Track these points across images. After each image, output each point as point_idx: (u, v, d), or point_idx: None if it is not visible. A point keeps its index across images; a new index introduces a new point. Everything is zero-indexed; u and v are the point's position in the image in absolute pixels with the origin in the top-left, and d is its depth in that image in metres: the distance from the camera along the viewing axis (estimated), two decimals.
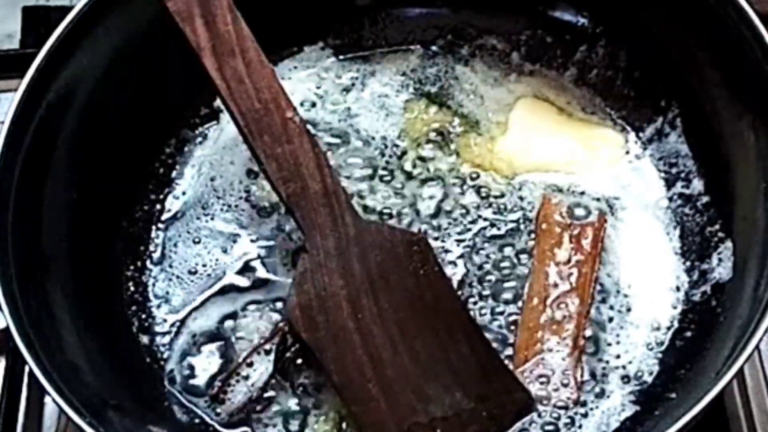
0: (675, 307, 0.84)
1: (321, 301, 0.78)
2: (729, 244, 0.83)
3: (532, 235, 0.87)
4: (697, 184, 0.88)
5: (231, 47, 0.80)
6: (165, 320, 0.86)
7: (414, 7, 0.97)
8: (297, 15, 0.93)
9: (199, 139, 0.93)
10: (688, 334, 0.83)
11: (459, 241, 0.87)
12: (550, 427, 0.80)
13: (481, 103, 0.94)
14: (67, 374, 0.73)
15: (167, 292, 0.87)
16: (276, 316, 0.85)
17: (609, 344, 0.83)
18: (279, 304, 0.85)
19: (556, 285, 0.84)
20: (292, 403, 0.81)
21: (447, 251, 0.87)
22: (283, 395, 0.82)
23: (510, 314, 0.84)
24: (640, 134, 0.91)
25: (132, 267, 0.88)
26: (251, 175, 0.90)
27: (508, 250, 0.87)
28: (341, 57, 0.96)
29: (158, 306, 0.86)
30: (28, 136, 0.79)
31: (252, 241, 0.88)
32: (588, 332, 0.83)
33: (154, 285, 0.87)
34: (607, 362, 0.82)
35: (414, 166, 0.91)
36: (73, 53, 0.82)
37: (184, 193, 0.91)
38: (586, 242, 0.86)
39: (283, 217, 0.88)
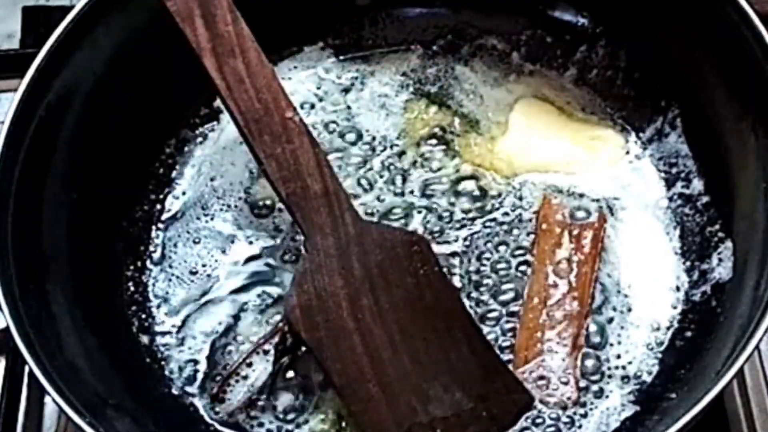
0: (675, 307, 0.84)
1: (321, 302, 0.78)
2: (729, 244, 0.83)
3: (532, 235, 0.87)
4: (697, 184, 0.88)
5: (231, 47, 0.80)
6: (165, 320, 0.86)
7: (414, 7, 0.97)
8: (297, 15, 0.93)
9: (199, 139, 0.93)
10: (688, 334, 0.83)
11: (459, 241, 0.87)
12: (551, 428, 0.80)
13: (481, 103, 0.94)
14: (67, 374, 0.73)
15: (167, 292, 0.87)
16: (276, 316, 0.85)
17: (609, 344, 0.83)
18: (279, 304, 0.85)
19: (555, 285, 0.84)
20: (292, 403, 0.81)
21: (447, 251, 0.87)
22: (283, 395, 0.82)
23: (510, 314, 0.84)
24: (640, 134, 0.91)
25: (132, 267, 0.88)
26: (251, 175, 0.90)
27: (508, 250, 0.87)
28: (341, 57, 0.96)
29: (158, 306, 0.86)
30: (28, 136, 0.79)
31: (252, 241, 0.88)
32: (588, 331, 0.83)
33: (154, 285, 0.87)
34: (607, 362, 0.82)
35: (414, 166, 0.91)
36: (73, 53, 0.82)
37: (184, 193, 0.91)
38: (586, 242, 0.86)
39: (283, 217, 0.88)
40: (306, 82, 0.95)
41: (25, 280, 0.76)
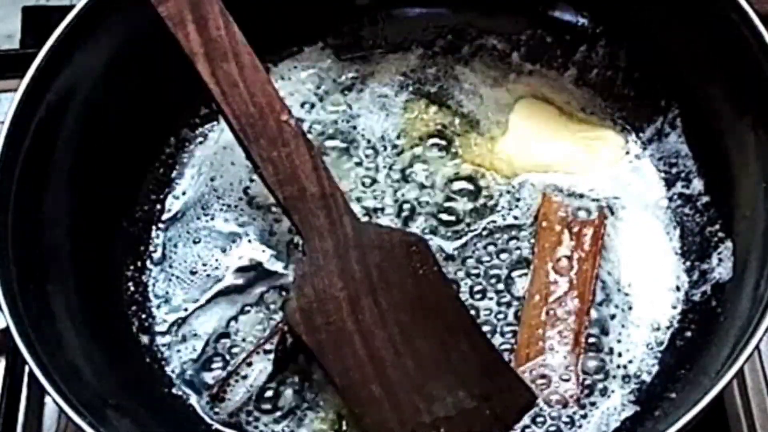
0: (675, 307, 0.84)
1: (321, 304, 0.78)
2: (729, 244, 0.83)
3: (532, 234, 0.87)
4: (697, 184, 0.88)
5: (224, 51, 0.80)
6: (165, 320, 0.86)
7: (414, 7, 0.97)
8: (297, 15, 0.93)
9: (199, 139, 0.93)
10: (688, 334, 0.83)
11: (459, 240, 0.87)
12: (551, 427, 0.80)
13: (481, 103, 0.94)
14: (67, 374, 0.73)
15: (167, 292, 0.87)
16: (276, 316, 0.85)
17: (609, 343, 0.83)
18: (278, 304, 0.85)
19: (556, 282, 0.84)
20: (292, 403, 0.81)
21: (447, 251, 0.87)
22: (283, 395, 0.82)
23: (510, 313, 0.84)
24: (640, 134, 0.91)
25: (132, 267, 0.88)
26: (251, 175, 0.90)
27: (508, 249, 0.87)
28: (341, 57, 0.96)
29: (158, 306, 0.86)
30: (28, 136, 0.79)
31: (252, 241, 0.88)
32: (589, 331, 0.83)
33: (154, 285, 0.87)
34: (608, 362, 0.82)
35: (413, 166, 0.91)
36: (73, 53, 0.82)
37: (184, 193, 0.91)
38: (587, 240, 0.86)
39: (283, 217, 0.88)
40: (306, 82, 0.95)
41: (25, 280, 0.76)
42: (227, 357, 0.84)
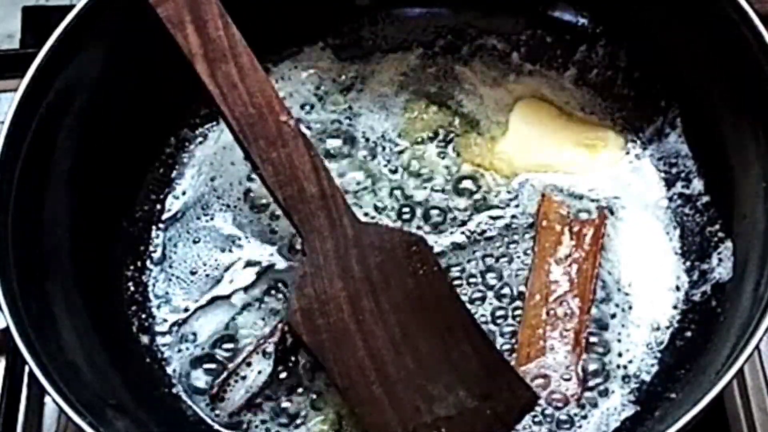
0: (675, 307, 0.84)
1: (321, 304, 0.78)
2: (729, 244, 0.83)
3: (533, 234, 0.87)
4: (697, 184, 0.88)
5: (223, 52, 0.80)
6: (165, 320, 0.86)
7: (414, 7, 0.97)
8: (297, 15, 0.93)
9: (199, 139, 0.93)
10: (688, 334, 0.83)
11: (459, 240, 0.87)
12: (551, 426, 0.80)
13: (481, 103, 0.94)
14: (67, 374, 0.73)
15: (167, 292, 0.87)
16: (276, 316, 0.85)
17: (610, 343, 0.83)
18: (279, 304, 0.85)
19: (556, 282, 0.84)
20: (292, 403, 0.81)
21: (447, 251, 0.87)
22: (283, 395, 0.82)
23: (511, 312, 0.84)
24: (640, 134, 0.91)
25: (132, 267, 0.88)
26: (251, 175, 0.90)
27: (508, 249, 0.87)
28: (341, 57, 0.96)
29: (158, 306, 0.86)
30: (28, 136, 0.79)
31: (251, 241, 0.88)
32: (589, 330, 0.83)
33: (154, 285, 0.87)
34: (608, 362, 0.82)
35: (413, 166, 0.91)
36: (73, 53, 0.82)
37: (184, 193, 0.91)
38: (587, 239, 0.86)
39: (283, 217, 0.88)
40: (306, 82, 0.95)
41: (25, 280, 0.76)
42: (227, 357, 0.84)
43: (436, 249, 0.85)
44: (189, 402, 0.82)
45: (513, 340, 0.83)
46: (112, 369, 0.80)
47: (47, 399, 0.86)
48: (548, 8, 0.94)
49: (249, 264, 0.87)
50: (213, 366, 0.84)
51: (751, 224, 0.80)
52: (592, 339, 0.83)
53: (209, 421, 0.81)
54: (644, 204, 0.89)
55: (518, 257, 0.86)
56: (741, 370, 0.76)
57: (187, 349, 0.84)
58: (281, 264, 0.87)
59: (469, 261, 0.86)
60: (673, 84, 0.89)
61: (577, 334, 0.82)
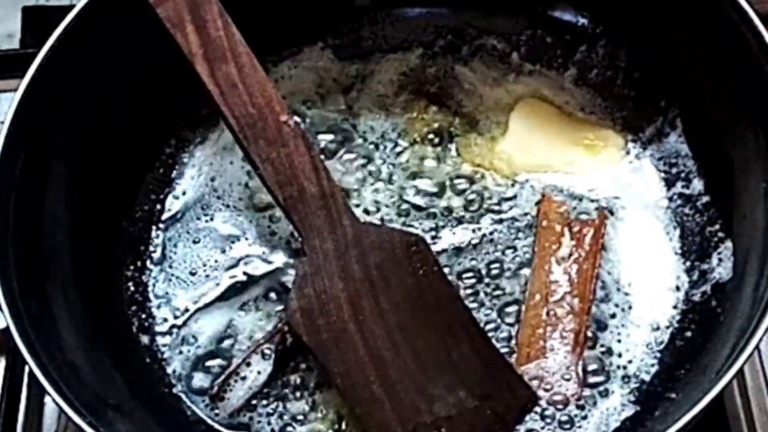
0: (675, 307, 0.84)
1: (321, 304, 0.78)
2: (729, 244, 0.83)
3: (533, 234, 0.87)
4: (697, 184, 0.88)
5: (223, 52, 0.80)
6: (165, 320, 0.86)
7: (414, 7, 0.97)
8: (297, 15, 0.93)
9: (199, 139, 0.93)
10: (688, 334, 0.83)
11: (459, 240, 0.87)
12: (551, 427, 0.80)
13: (481, 103, 0.94)
14: (67, 374, 0.73)
15: (167, 293, 0.87)
16: (275, 316, 0.85)
17: (610, 343, 0.83)
18: (278, 304, 0.85)
19: (557, 282, 0.84)
20: (291, 403, 0.81)
21: (447, 251, 0.87)
22: (283, 395, 0.82)
23: (511, 312, 0.84)
24: (640, 134, 0.91)
25: (132, 267, 0.88)
26: (251, 175, 0.90)
27: (508, 249, 0.87)
28: (341, 57, 0.96)
29: (158, 306, 0.86)
30: (28, 136, 0.79)
31: (251, 241, 0.88)
32: (589, 330, 0.83)
33: (154, 285, 0.87)
34: (608, 362, 0.82)
35: (413, 166, 0.91)
36: (73, 53, 0.82)
37: (184, 193, 0.91)
38: (587, 239, 0.86)
39: (283, 217, 0.88)
40: (306, 82, 0.95)
41: (25, 280, 0.76)
42: (227, 357, 0.84)
43: (436, 249, 0.85)
44: (189, 402, 0.82)
45: (513, 341, 0.83)
46: (112, 369, 0.80)
47: (47, 399, 0.86)
48: (548, 8, 0.94)
49: (249, 264, 0.87)
50: (213, 366, 0.84)
51: (751, 224, 0.80)
52: (592, 339, 0.83)
53: (209, 421, 0.81)
54: (644, 204, 0.89)
55: (518, 257, 0.86)
56: (741, 370, 0.76)
57: (188, 349, 0.84)
58: (281, 264, 0.87)
59: (468, 261, 0.86)
60: (673, 84, 0.89)
61: (577, 334, 0.82)
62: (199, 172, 0.92)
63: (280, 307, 0.85)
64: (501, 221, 0.88)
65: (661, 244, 0.87)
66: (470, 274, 0.86)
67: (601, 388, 0.81)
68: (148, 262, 0.88)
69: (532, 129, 0.92)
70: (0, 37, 1.06)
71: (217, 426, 0.81)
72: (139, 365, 0.83)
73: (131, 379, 0.81)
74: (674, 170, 0.89)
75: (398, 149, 0.92)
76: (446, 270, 0.83)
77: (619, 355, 0.82)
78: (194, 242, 0.89)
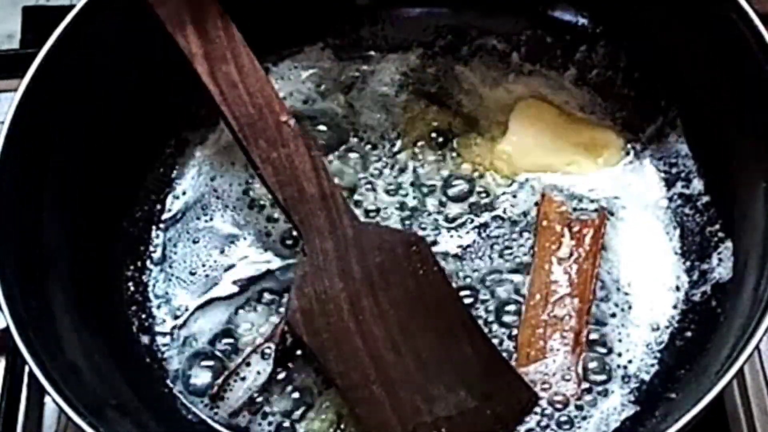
0: (675, 307, 0.84)
1: (321, 305, 0.78)
2: (729, 244, 0.83)
3: (533, 234, 0.87)
4: (697, 184, 0.88)
5: (223, 52, 0.80)
6: (165, 320, 0.86)
7: (414, 7, 0.97)
8: (297, 15, 0.93)
9: (199, 139, 0.93)
10: (688, 334, 0.83)
11: (459, 240, 0.87)
12: (552, 427, 0.80)
13: (480, 103, 0.94)
14: (67, 374, 0.73)
15: (167, 293, 0.87)
16: (276, 316, 0.85)
17: (609, 343, 0.83)
18: (278, 304, 0.85)
19: (557, 282, 0.84)
20: (291, 403, 0.81)
21: (447, 251, 0.87)
22: (282, 395, 0.82)
23: (511, 312, 0.84)
24: (640, 134, 0.91)
25: (132, 267, 0.88)
26: (251, 175, 0.90)
27: (508, 249, 0.87)
28: (341, 57, 0.96)
29: (158, 306, 0.86)
30: (28, 136, 0.79)
31: (251, 241, 0.88)
32: (589, 330, 0.83)
33: (154, 285, 0.87)
34: (608, 362, 0.82)
35: (413, 166, 0.91)
36: (73, 53, 0.82)
37: (184, 193, 0.91)
38: (587, 239, 0.86)
39: (283, 217, 0.88)
40: (306, 82, 0.95)
41: (25, 280, 0.76)
42: (227, 357, 0.84)
43: (435, 249, 0.85)
44: (189, 402, 0.82)
45: (513, 341, 0.83)
46: (112, 369, 0.80)
47: (47, 399, 0.86)
48: (548, 8, 0.94)
49: (248, 264, 0.87)
50: (213, 366, 0.84)
51: (751, 224, 0.80)
52: (592, 339, 0.83)
53: (209, 421, 0.81)
54: (644, 204, 0.89)
55: (518, 257, 0.86)
56: (741, 370, 0.76)
57: (187, 349, 0.84)
58: (281, 264, 0.87)
59: (468, 261, 0.86)
60: (673, 84, 0.89)
61: (577, 335, 0.82)
62: (199, 172, 0.92)
63: (279, 307, 0.85)
64: (501, 221, 0.88)
65: (661, 244, 0.87)
66: (470, 275, 0.86)
67: (601, 388, 0.81)
68: (148, 262, 0.88)
69: (532, 129, 0.92)
70: (0, 37, 1.06)
71: (216, 426, 0.81)
72: (139, 365, 0.83)
73: (131, 379, 0.81)
74: (674, 170, 0.89)
75: (398, 149, 0.92)
76: (446, 270, 0.83)
77: (619, 355, 0.82)
78: (194, 242, 0.89)
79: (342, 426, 0.80)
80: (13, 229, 0.77)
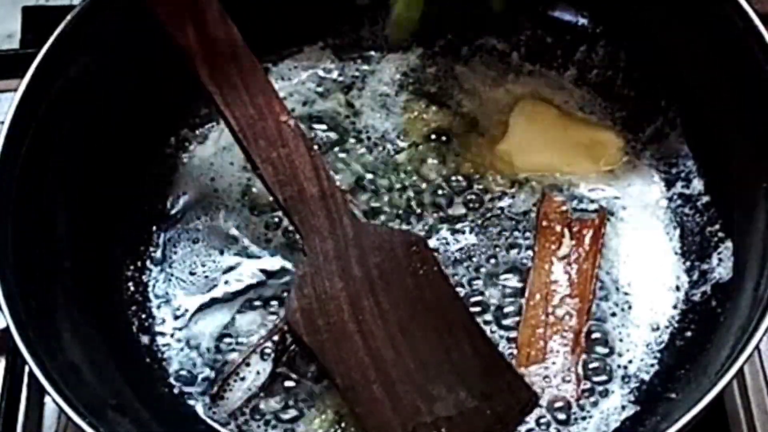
0: (675, 307, 0.84)
1: (321, 304, 0.78)
2: (729, 244, 0.83)
3: (533, 234, 0.87)
4: (697, 184, 0.88)
5: (223, 53, 0.80)
6: (165, 320, 0.86)
7: None
8: (297, 15, 0.93)
9: (199, 139, 0.93)
10: (688, 334, 0.83)
11: (459, 241, 0.87)
12: (552, 427, 0.80)
13: (481, 103, 0.94)
14: (67, 374, 0.73)
15: (167, 293, 0.87)
16: (275, 316, 0.85)
17: (609, 343, 0.83)
18: (278, 304, 0.85)
19: (556, 282, 0.84)
20: (291, 403, 0.81)
21: (446, 251, 0.87)
22: (282, 395, 0.82)
23: (511, 312, 0.84)
24: (640, 134, 0.91)
25: (132, 267, 0.88)
26: (251, 175, 0.90)
27: (508, 249, 0.87)
28: (341, 57, 0.96)
29: (158, 306, 0.86)
30: (28, 136, 0.79)
31: (250, 241, 0.88)
32: (589, 330, 0.83)
33: (154, 285, 0.87)
34: (608, 362, 0.82)
35: (413, 166, 0.91)
36: (73, 53, 0.82)
37: (184, 193, 0.91)
38: (587, 239, 0.86)
39: (282, 217, 0.88)
40: (306, 82, 0.95)
41: (25, 280, 0.76)
42: (227, 357, 0.84)
43: (436, 249, 0.85)
44: (189, 402, 0.82)
45: (513, 341, 0.83)
46: (112, 369, 0.80)
47: (47, 399, 0.86)
48: (548, 8, 0.94)
49: (248, 264, 0.87)
50: (213, 366, 0.84)
51: (751, 224, 0.80)
52: (593, 339, 0.83)
53: (209, 421, 0.81)
54: (644, 204, 0.89)
55: (518, 257, 0.86)
56: (741, 370, 0.76)
57: (188, 349, 0.84)
58: (280, 264, 0.87)
59: (468, 261, 0.86)
60: (673, 84, 0.89)
61: (577, 335, 0.82)
62: (199, 172, 0.92)
63: (279, 307, 0.85)
64: (501, 221, 0.88)
65: (661, 244, 0.87)
66: (470, 275, 0.86)
67: (602, 388, 0.81)
68: (148, 263, 0.88)
69: (532, 129, 0.92)
70: (0, 37, 1.06)
71: (216, 426, 0.81)
72: (139, 365, 0.83)
73: (131, 379, 0.81)
74: (674, 170, 0.89)
75: (398, 149, 0.92)
76: (446, 270, 0.83)
77: (619, 355, 0.82)
78: (194, 242, 0.89)
79: (342, 426, 0.80)
80: (13, 229, 0.77)
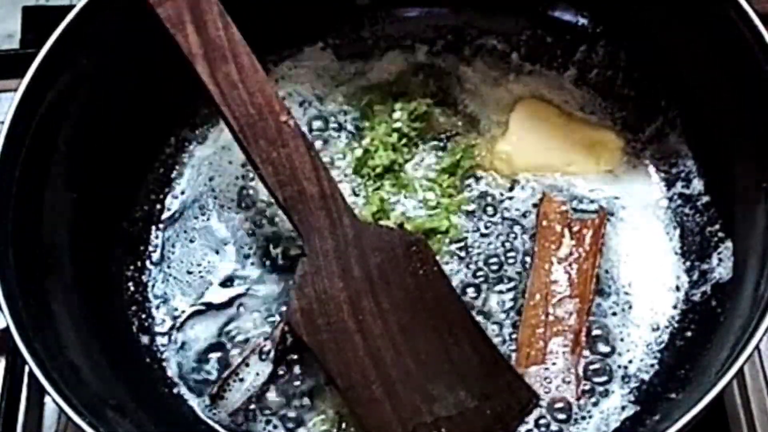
0: (675, 307, 0.84)
1: (322, 304, 0.78)
2: (729, 244, 0.83)
3: (533, 234, 0.87)
4: (697, 184, 0.88)
5: (223, 53, 0.80)
6: (165, 320, 0.86)
7: (414, 7, 0.97)
8: (297, 15, 0.93)
9: (199, 139, 0.93)
10: (688, 334, 0.83)
11: (459, 240, 0.87)
12: (552, 427, 0.80)
13: (481, 103, 0.94)
14: (67, 374, 0.73)
15: (166, 293, 0.87)
16: (274, 317, 0.85)
17: (610, 343, 0.83)
18: (278, 304, 0.85)
19: (556, 282, 0.84)
20: (291, 403, 0.81)
21: (446, 251, 0.87)
22: (282, 395, 0.82)
23: (511, 312, 0.84)
24: (640, 134, 0.91)
25: (132, 267, 0.88)
26: (250, 175, 0.90)
27: (508, 249, 0.87)
28: (341, 57, 0.96)
29: (158, 306, 0.86)
30: (28, 136, 0.79)
31: (249, 241, 0.88)
32: (589, 330, 0.83)
33: (153, 285, 0.87)
34: (608, 362, 0.82)
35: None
36: (73, 53, 0.82)
37: (183, 193, 0.91)
38: (587, 239, 0.86)
39: (281, 217, 0.87)
40: (306, 81, 0.95)
41: (25, 280, 0.76)
42: (227, 357, 0.84)
43: (436, 249, 0.85)
44: (189, 402, 0.82)
45: (513, 341, 0.83)
46: (111, 369, 0.80)
47: (47, 399, 0.86)
48: (548, 8, 0.94)
49: (246, 264, 0.87)
50: (212, 366, 0.84)
51: (751, 224, 0.80)
52: (592, 339, 0.83)
53: (209, 421, 0.81)
54: (644, 204, 0.89)
55: (518, 257, 0.86)
56: (741, 370, 0.76)
57: (187, 349, 0.84)
58: (279, 264, 0.87)
59: (468, 261, 0.86)
60: (673, 84, 0.89)
61: (576, 335, 0.82)
62: (198, 172, 0.92)
63: (279, 307, 0.85)
64: (501, 221, 0.88)
65: (661, 244, 0.87)
66: (470, 275, 0.86)
67: (602, 388, 0.81)
68: (147, 263, 0.88)
69: (532, 129, 0.92)
70: (0, 37, 1.06)
71: (216, 426, 0.81)
72: (139, 365, 0.84)
73: (131, 379, 0.81)
74: (674, 170, 0.89)
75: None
76: (446, 270, 0.83)
77: (619, 355, 0.82)
78: (192, 242, 0.89)
79: (342, 426, 0.80)
80: (13, 229, 0.77)
